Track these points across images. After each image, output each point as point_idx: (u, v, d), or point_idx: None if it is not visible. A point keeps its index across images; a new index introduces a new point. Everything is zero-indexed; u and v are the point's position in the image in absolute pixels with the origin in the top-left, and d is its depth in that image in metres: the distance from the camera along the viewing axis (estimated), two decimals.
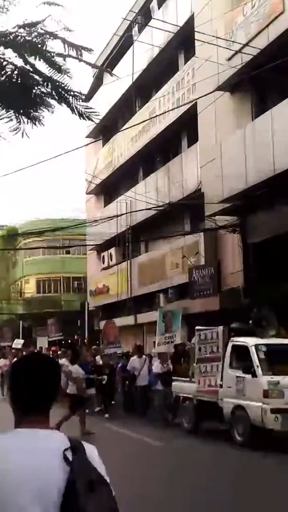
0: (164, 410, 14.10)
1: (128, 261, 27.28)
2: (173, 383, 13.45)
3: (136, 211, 24.17)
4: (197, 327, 12.80)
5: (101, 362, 17.38)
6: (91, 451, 1.88)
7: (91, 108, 6.88)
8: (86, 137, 31.60)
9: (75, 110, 6.55)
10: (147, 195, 24.41)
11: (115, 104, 28.76)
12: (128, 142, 27.31)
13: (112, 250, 29.16)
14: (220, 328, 11.93)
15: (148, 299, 25.11)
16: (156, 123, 23.92)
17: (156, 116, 22.90)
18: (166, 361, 14.64)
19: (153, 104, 24.81)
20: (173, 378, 13.56)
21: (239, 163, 15.97)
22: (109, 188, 31.94)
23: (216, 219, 18.51)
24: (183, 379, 13.07)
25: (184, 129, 23.30)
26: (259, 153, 15.23)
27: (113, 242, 28.75)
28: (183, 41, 22.12)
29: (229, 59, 15.91)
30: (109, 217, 24.06)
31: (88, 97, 17.37)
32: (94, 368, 16.22)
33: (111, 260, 29.34)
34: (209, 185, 18.13)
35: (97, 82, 30.80)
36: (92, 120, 7.05)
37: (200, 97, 16.85)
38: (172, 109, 20.59)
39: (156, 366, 14.80)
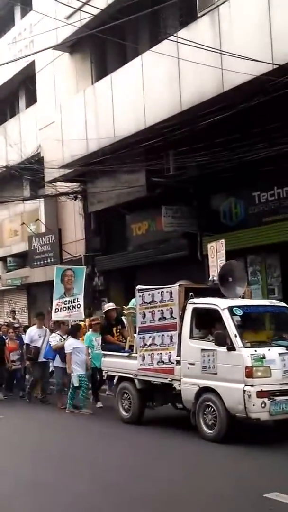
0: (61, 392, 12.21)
1: None
2: (103, 359, 10.81)
3: None
4: (138, 287, 9.87)
5: None
6: None
7: None
8: None
9: None
10: None
11: None
12: None
13: None
14: (175, 286, 9.19)
15: None
16: None
17: None
18: (66, 331, 12.32)
19: None
20: (104, 352, 10.91)
21: (79, 127, 15.79)
22: None
23: (56, 185, 18.26)
24: (117, 354, 10.46)
25: (22, 89, 22.56)
26: (100, 118, 15.15)
27: None
28: None
29: (68, 17, 15.45)
30: None
31: None
32: None
33: None
34: (49, 149, 17.75)
35: None
36: None
37: (36, 52, 16.23)
38: (4, 63, 19.59)
39: (54, 338, 12.43)
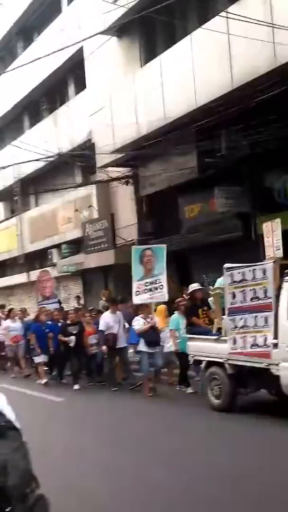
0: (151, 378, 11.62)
1: (18, 216, 26.64)
2: (189, 343, 10.18)
3: (23, 162, 23.39)
4: (226, 265, 9.14)
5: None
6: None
7: None
8: None
9: None
10: (34, 145, 23.71)
11: None
12: (11, 89, 26.15)
13: (0, 205, 28.28)
14: (270, 263, 8.53)
15: (41, 255, 24.78)
16: (40, 68, 23.01)
17: (39, 59, 21.95)
18: (149, 314, 11.71)
19: (36, 48, 23.81)
20: (189, 336, 10.28)
21: (130, 111, 15.81)
22: None
23: (108, 170, 18.38)
24: (205, 337, 9.84)
25: (71, 75, 22.72)
26: (150, 101, 15.13)
27: (0, 197, 27.91)
28: None
29: (115, 0, 15.47)
30: None
31: None
32: (61, 327, 13.74)
33: None
34: (100, 135, 17.86)
35: None
36: None
37: (85, 39, 16.33)
38: (55, 52, 19.72)
39: (137, 321, 11.70)
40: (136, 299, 12.27)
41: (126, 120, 15.93)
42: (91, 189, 20.38)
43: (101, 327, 12.66)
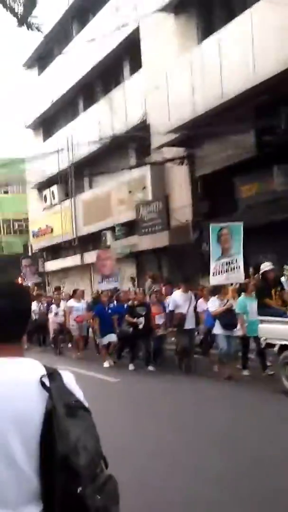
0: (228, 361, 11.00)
1: (72, 198, 26.85)
2: (260, 326, 9.74)
3: (77, 145, 23.61)
4: None
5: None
6: (69, 377, 1.86)
7: (37, 17, 6.39)
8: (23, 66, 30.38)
9: (22, 19, 6.05)
10: (89, 128, 23.86)
11: (51, 30, 27.49)
12: (66, 71, 26.33)
13: (54, 188, 28.60)
14: None
15: (94, 238, 24.92)
16: (95, 50, 23.08)
17: (93, 40, 22.05)
18: (225, 295, 11.20)
19: (91, 29, 23.86)
20: (261, 318, 9.79)
21: (186, 90, 15.67)
22: (48, 122, 31.03)
23: (163, 151, 18.30)
24: (279, 319, 9.33)
25: (126, 56, 22.64)
26: (207, 79, 14.95)
27: (54, 180, 28.18)
28: None
29: None
30: (50, 153, 23.43)
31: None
32: (128, 308, 13.25)
33: (54, 198, 28.77)
34: (155, 115, 17.79)
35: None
36: (40, 31, 6.56)
37: (142, 17, 16.31)
38: (111, 32, 19.80)
39: (213, 303, 11.21)
40: (213, 280, 11.57)
41: (182, 99, 15.82)
42: (145, 171, 20.32)
43: (171, 307, 12.08)
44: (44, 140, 30.89)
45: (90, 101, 25.72)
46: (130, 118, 21.04)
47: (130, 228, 21.97)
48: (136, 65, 21.18)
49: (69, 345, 16.56)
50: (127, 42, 21.23)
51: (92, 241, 25.53)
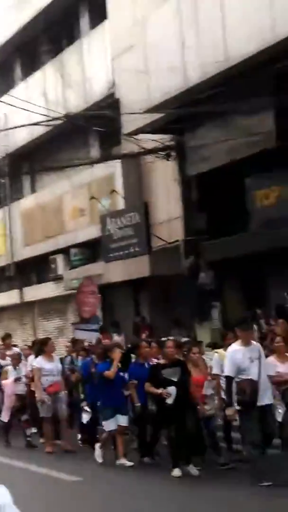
0: None
1: (6, 207, 26.98)
2: None
3: (14, 127, 23.54)
4: None
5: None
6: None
7: None
8: None
9: None
10: (30, 105, 23.79)
11: None
12: None
13: None
14: None
15: (40, 264, 24.89)
16: None
17: None
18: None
19: None
20: None
21: (173, 51, 15.76)
22: None
23: (139, 138, 18.29)
24: None
25: (84, 3, 22.82)
26: (203, 36, 15.04)
27: None
28: None
29: None
30: None
31: None
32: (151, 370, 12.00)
33: None
34: (128, 87, 17.89)
35: None
36: None
37: None
38: None
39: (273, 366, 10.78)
40: None
41: (167, 65, 15.88)
42: (114, 168, 20.39)
43: (227, 371, 10.52)
44: None
45: (31, 66, 25.89)
46: (91, 90, 21.21)
47: (92, 250, 21.91)
48: (99, 15, 21.25)
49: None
50: None
51: (36, 269, 25.47)
